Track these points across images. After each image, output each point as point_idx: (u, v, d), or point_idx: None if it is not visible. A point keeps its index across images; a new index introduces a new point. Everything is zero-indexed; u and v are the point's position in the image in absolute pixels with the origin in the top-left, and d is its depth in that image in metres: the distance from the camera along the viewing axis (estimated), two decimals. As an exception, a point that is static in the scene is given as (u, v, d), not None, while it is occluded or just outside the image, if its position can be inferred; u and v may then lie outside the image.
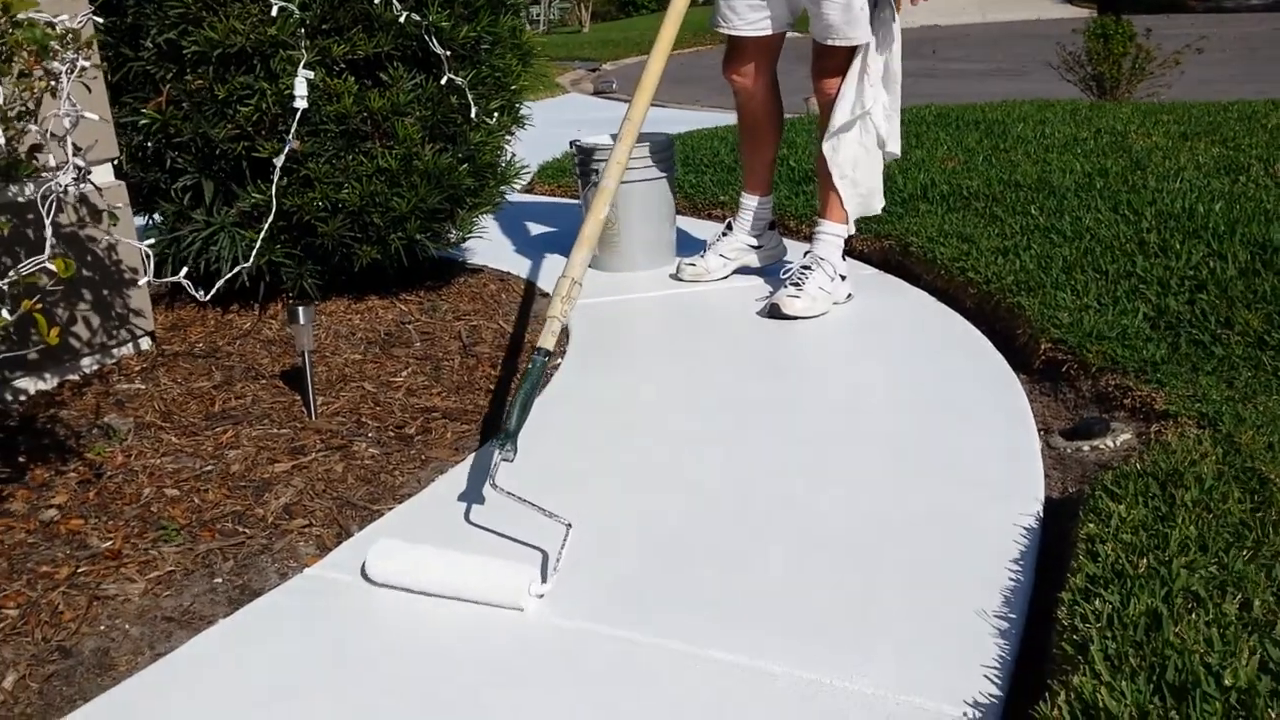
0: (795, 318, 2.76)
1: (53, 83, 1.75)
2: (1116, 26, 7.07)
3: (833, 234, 2.87)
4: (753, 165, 3.13)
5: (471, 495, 1.92)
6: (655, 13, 23.59)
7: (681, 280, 3.15)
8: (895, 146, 2.83)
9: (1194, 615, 1.25)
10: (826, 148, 2.80)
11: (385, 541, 1.67)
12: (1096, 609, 1.29)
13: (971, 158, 4.05)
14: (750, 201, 3.16)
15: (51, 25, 1.74)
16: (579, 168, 3.30)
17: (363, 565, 1.65)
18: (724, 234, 3.20)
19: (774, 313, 2.78)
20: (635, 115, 2.23)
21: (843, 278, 2.87)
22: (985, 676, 1.33)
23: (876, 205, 2.91)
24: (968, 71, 11.03)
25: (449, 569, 1.60)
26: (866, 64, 2.69)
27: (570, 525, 1.68)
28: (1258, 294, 2.37)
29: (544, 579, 1.60)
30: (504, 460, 1.77)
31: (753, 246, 3.19)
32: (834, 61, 2.76)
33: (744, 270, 3.20)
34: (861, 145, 2.80)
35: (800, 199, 3.71)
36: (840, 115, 2.76)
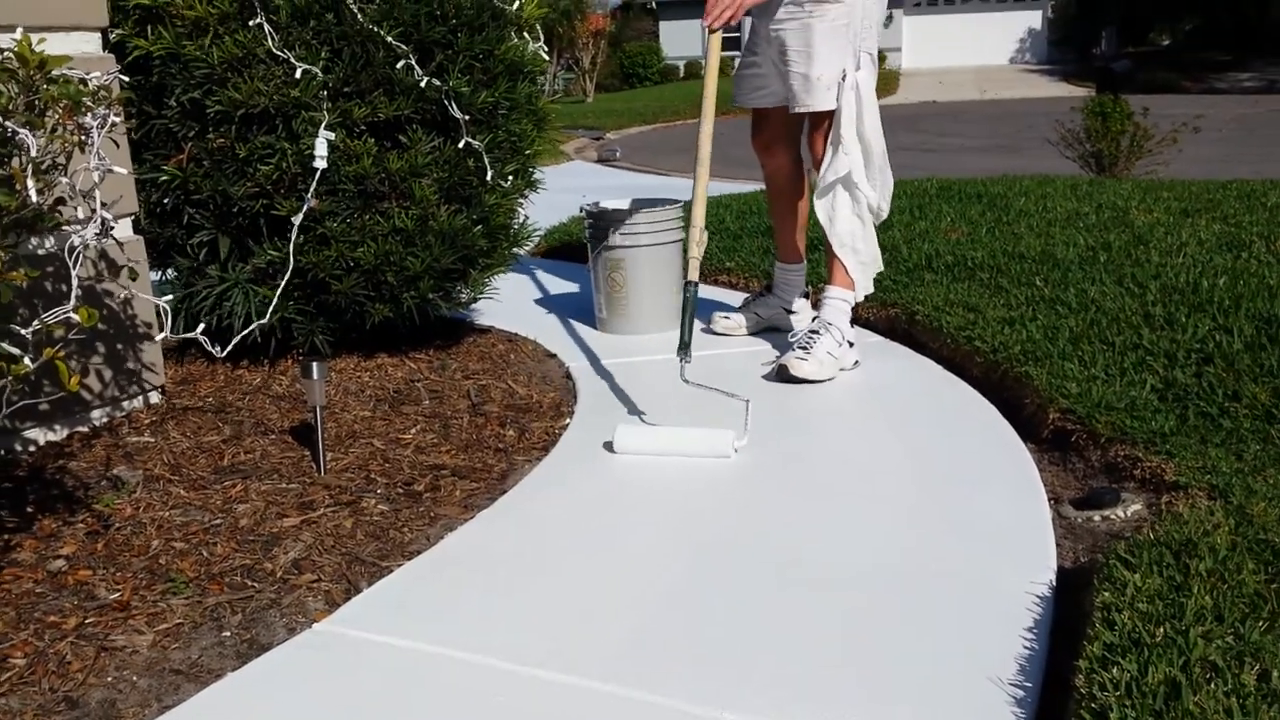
0: (802, 380, 2.78)
1: (83, 137, 1.78)
2: (1114, 105, 7.19)
3: (840, 299, 2.92)
4: (782, 236, 3.26)
5: (590, 557, 1.91)
6: (658, 85, 23.99)
7: (714, 332, 3.27)
8: (886, 206, 2.93)
9: (1213, 685, 1.24)
10: (821, 215, 2.90)
11: (624, 425, 2.41)
12: (1115, 677, 1.28)
13: (975, 229, 4.10)
14: (781, 270, 3.28)
15: (84, 82, 1.78)
16: (589, 230, 3.34)
17: (610, 441, 2.37)
18: (760, 294, 3.33)
19: (781, 375, 2.82)
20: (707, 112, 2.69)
21: (850, 344, 2.90)
22: (1002, 744, 1.32)
23: (868, 286, 3.00)
24: (967, 147, 11.19)
25: (673, 437, 2.37)
26: (839, 133, 2.81)
27: (749, 400, 2.44)
28: (1264, 368, 2.39)
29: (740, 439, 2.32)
30: (685, 362, 2.53)
31: (787, 311, 3.27)
32: (811, 129, 2.92)
33: (763, 333, 3.25)
34: (856, 216, 2.89)
35: (806, 265, 3.74)
36: (822, 181, 2.89)
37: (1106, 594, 1.48)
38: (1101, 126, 7.23)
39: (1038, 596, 1.67)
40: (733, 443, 2.31)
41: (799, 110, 2.88)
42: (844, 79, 2.80)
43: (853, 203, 2.87)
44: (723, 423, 2.40)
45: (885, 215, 2.95)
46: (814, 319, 2.94)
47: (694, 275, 2.58)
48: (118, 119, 1.85)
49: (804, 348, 2.83)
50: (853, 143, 2.82)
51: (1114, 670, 1.30)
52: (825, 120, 2.86)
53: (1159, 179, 5.86)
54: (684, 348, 2.51)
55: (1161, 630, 1.36)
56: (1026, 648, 1.53)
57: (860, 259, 2.92)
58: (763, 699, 1.44)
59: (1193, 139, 7.21)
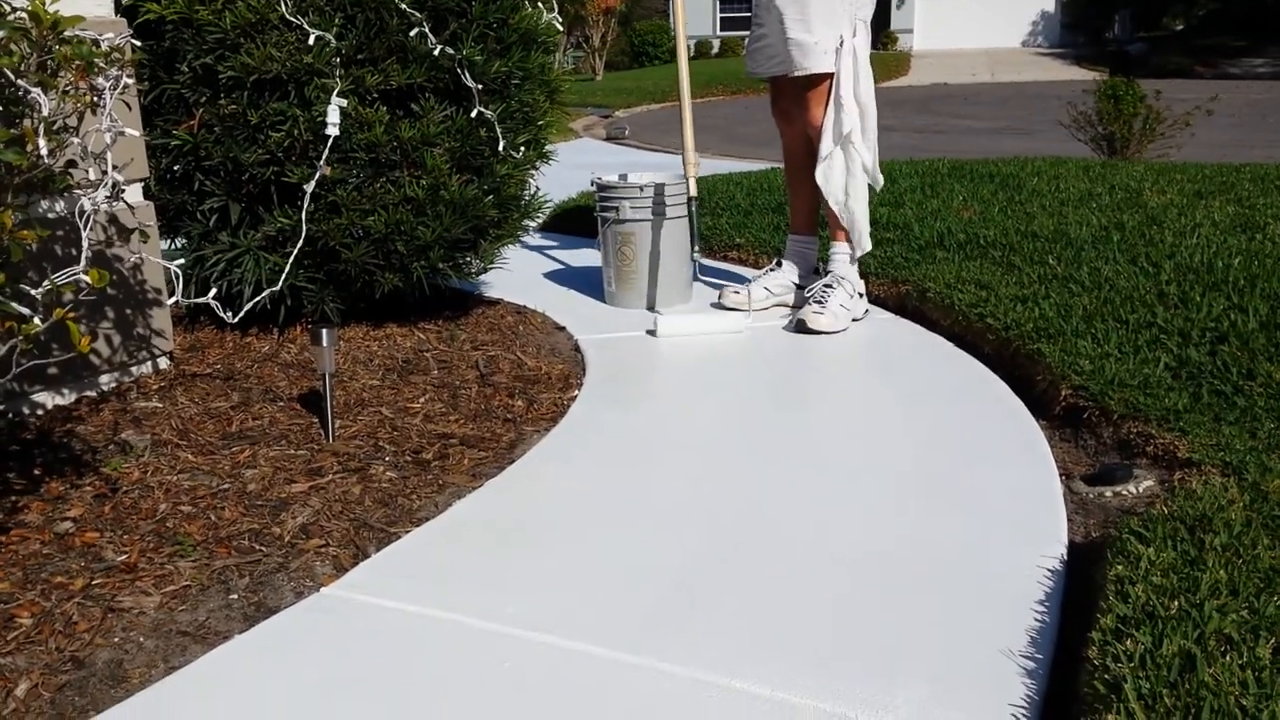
0: (820, 332, 2.92)
1: (95, 98, 1.77)
2: (1127, 88, 7.14)
3: (844, 254, 3.09)
4: (796, 204, 3.32)
5: (599, 527, 1.91)
6: (667, 64, 23.87)
7: (724, 307, 3.27)
8: (877, 175, 3.05)
9: (1228, 658, 1.23)
10: (819, 176, 3.01)
11: (665, 316, 3.03)
12: (1128, 649, 1.27)
13: (987, 208, 4.08)
14: (794, 241, 3.34)
15: (97, 43, 1.77)
16: (599, 203, 3.32)
17: (654, 329, 3.00)
18: (772, 270, 3.35)
19: (799, 328, 2.96)
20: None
21: (861, 295, 3.08)
22: (1012, 715, 1.31)
23: (866, 244, 3.11)
24: (977, 129, 11.13)
25: (702, 321, 3.03)
26: (839, 95, 2.92)
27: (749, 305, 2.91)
28: (1279, 347, 2.37)
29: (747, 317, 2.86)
30: (698, 257, 3.14)
31: (797, 286, 3.30)
32: (808, 93, 2.99)
33: (768, 311, 3.24)
34: (849, 173, 3.01)
35: (819, 240, 3.73)
36: (824, 146, 2.98)
37: (1120, 567, 1.47)
38: (1114, 109, 7.18)
39: (1049, 570, 1.66)
40: (743, 321, 3.00)
41: (797, 74, 2.97)
42: (841, 44, 2.91)
43: (847, 160, 2.99)
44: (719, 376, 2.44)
45: (880, 183, 3.08)
46: (826, 274, 3.11)
47: (693, 190, 3.10)
48: (130, 80, 1.84)
49: (819, 301, 2.98)
50: (851, 104, 2.94)
51: (1128, 642, 1.29)
52: (822, 85, 2.95)
53: (1171, 162, 5.82)
54: (696, 247, 3.13)
55: (1176, 603, 1.35)
56: (1038, 620, 1.52)
57: (854, 217, 3.05)
58: (773, 669, 1.43)
59: (1205, 123, 7.16)
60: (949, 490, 1.99)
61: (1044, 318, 2.70)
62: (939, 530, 1.82)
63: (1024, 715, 1.31)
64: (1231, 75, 17.74)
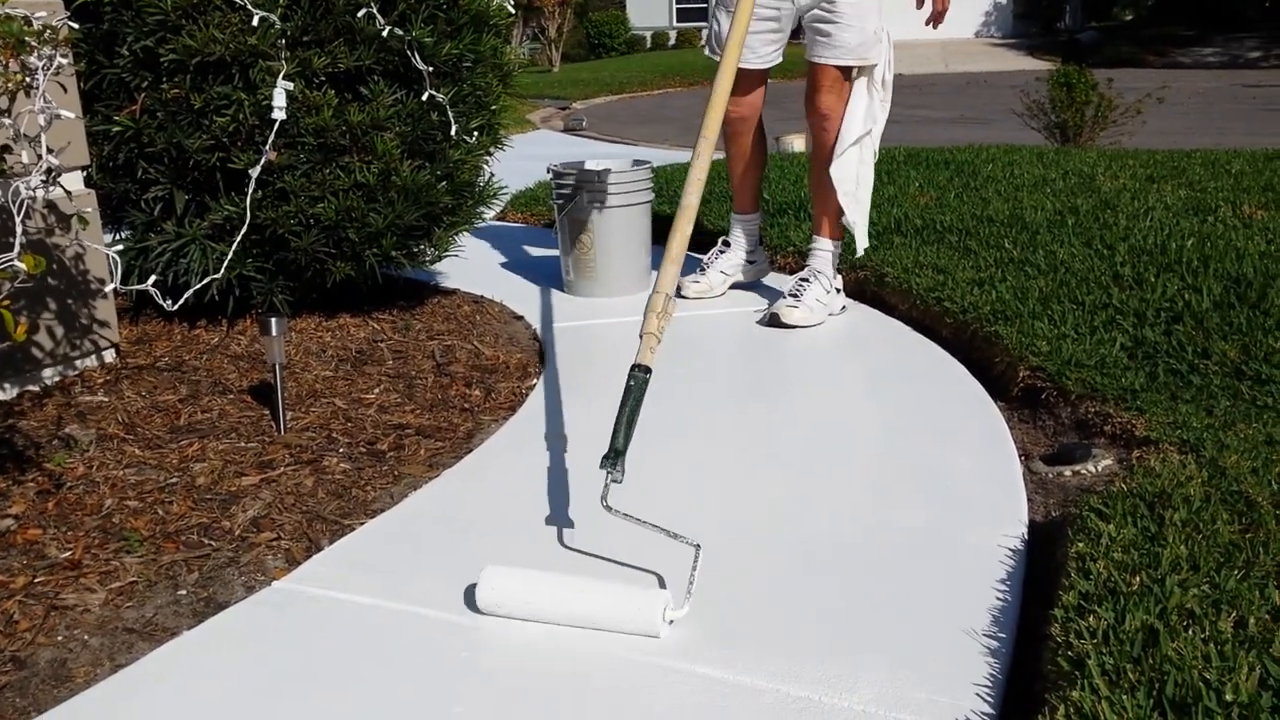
0: (794, 327, 2.87)
1: (28, 79, 1.71)
2: (1079, 76, 7.20)
3: (826, 250, 3.03)
4: (744, 186, 3.26)
5: (558, 518, 1.84)
6: (624, 55, 23.81)
7: (687, 298, 3.22)
8: (869, 169, 2.97)
9: (1190, 632, 1.23)
10: (833, 169, 2.90)
11: (492, 568, 1.52)
12: (1091, 625, 1.26)
13: (944, 195, 4.09)
14: (745, 219, 3.30)
15: (28, 20, 1.71)
16: (555, 190, 3.29)
17: (471, 595, 1.53)
18: (721, 251, 3.31)
19: (773, 322, 2.91)
20: (709, 131, 2.03)
21: (838, 290, 3.03)
22: (976, 694, 1.30)
23: (865, 238, 3.03)
24: (933, 119, 11.19)
25: (569, 595, 1.47)
26: (875, 85, 2.86)
27: (699, 546, 1.58)
28: (1233, 325, 2.39)
29: (673, 605, 1.48)
30: (613, 481, 1.65)
31: (749, 262, 3.31)
32: (838, 84, 2.89)
33: (727, 297, 3.23)
34: (862, 162, 2.94)
35: (775, 230, 3.72)
36: (852, 132, 2.87)
37: (1081, 544, 1.47)
38: (1066, 97, 7.24)
39: (1010, 550, 1.66)
40: (664, 613, 1.46)
41: (848, 63, 2.86)
42: (877, 33, 2.86)
43: (861, 149, 2.92)
44: (680, 364, 2.37)
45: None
46: (804, 268, 3.05)
47: (646, 359, 1.79)
48: (65, 61, 1.78)
49: (795, 295, 2.93)
50: (889, 96, 2.88)
51: (1090, 618, 1.28)
52: (848, 74, 2.88)
53: (1124, 148, 5.87)
54: (618, 457, 1.68)
55: (1138, 579, 1.35)
56: (1000, 600, 1.51)
57: (862, 207, 2.99)
58: (736, 653, 1.41)
59: (1156, 111, 7.25)
60: (909, 473, 1.98)
61: (1001, 300, 2.70)
62: (900, 513, 1.81)
63: (987, 694, 1.30)
64: (1181, 64, 18.00)
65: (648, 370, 1.77)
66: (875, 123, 2.90)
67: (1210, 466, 1.70)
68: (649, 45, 26.42)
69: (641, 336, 1.80)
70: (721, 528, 1.78)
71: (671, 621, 1.47)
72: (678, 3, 28.78)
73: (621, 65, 19.52)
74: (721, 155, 3.25)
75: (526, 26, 20.72)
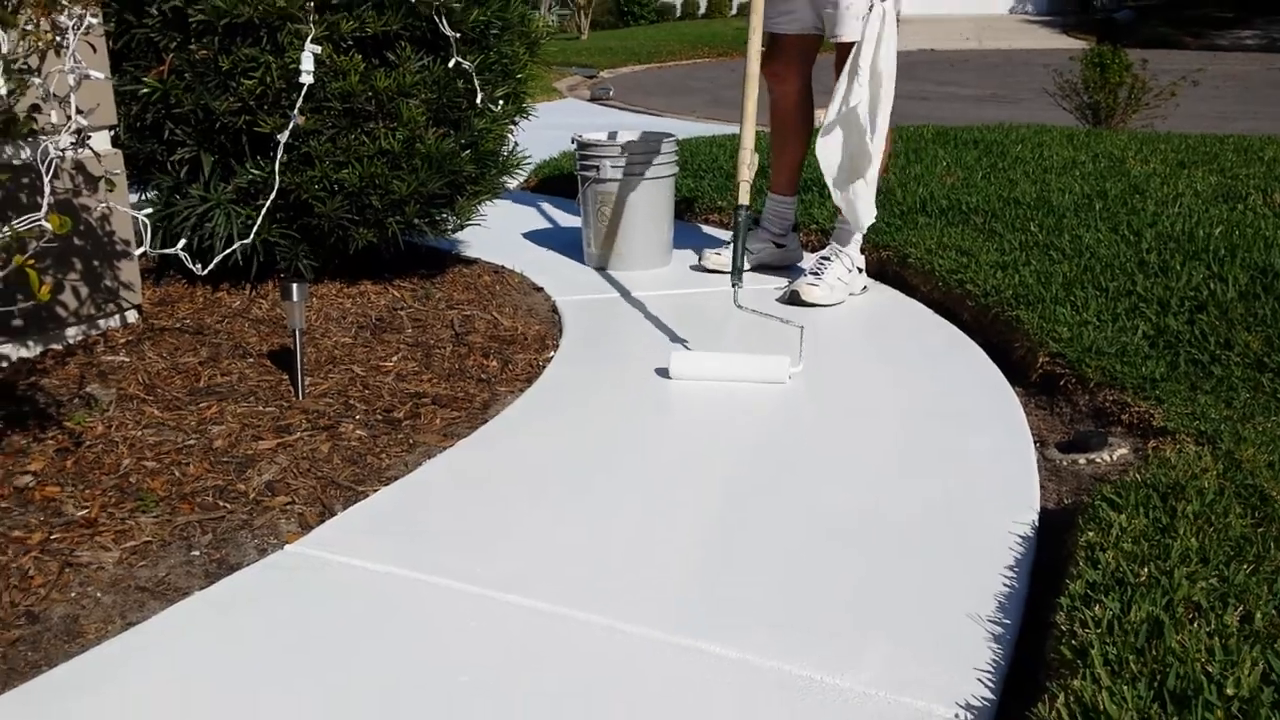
0: (814, 304, 2.86)
1: (59, 38, 1.71)
2: (1114, 56, 7.09)
3: (850, 228, 2.98)
4: (779, 165, 3.24)
5: (571, 488, 1.89)
6: (654, 24, 23.62)
7: (705, 269, 3.23)
8: (876, 156, 2.81)
9: (1195, 625, 1.22)
10: (819, 150, 2.83)
11: (679, 351, 2.39)
12: (1096, 615, 1.26)
13: (970, 175, 4.05)
14: (774, 201, 3.28)
15: (57, -21, 1.71)
16: (579, 162, 3.28)
17: (667, 368, 2.34)
18: (749, 229, 3.21)
19: (794, 299, 2.89)
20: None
21: (861, 270, 3.00)
22: (978, 679, 1.30)
23: (863, 222, 2.91)
24: (962, 95, 11.07)
25: (729, 363, 2.34)
26: (856, 65, 2.74)
27: (803, 327, 2.44)
28: (1258, 317, 2.36)
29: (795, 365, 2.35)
30: (737, 288, 2.52)
31: (776, 245, 3.29)
32: (836, 59, 2.86)
33: (751, 274, 3.20)
34: (846, 149, 2.83)
35: (800, 206, 3.69)
36: (829, 114, 2.81)
37: (1091, 533, 1.46)
38: (1099, 78, 7.13)
39: (1020, 537, 1.65)
40: (788, 368, 2.31)
41: (832, 40, 2.88)
42: (871, 9, 2.73)
43: (848, 136, 2.81)
44: (698, 340, 2.47)
45: (873, 165, 2.85)
46: (827, 245, 3.02)
47: (744, 199, 2.56)
48: (95, 20, 1.78)
49: (815, 273, 2.92)
50: (866, 76, 2.75)
51: (1096, 608, 1.28)
52: (844, 52, 2.82)
53: (1156, 132, 5.79)
54: (737, 273, 2.53)
55: (1146, 570, 1.34)
56: (1007, 586, 1.51)
57: (853, 200, 2.87)
58: (740, 631, 1.42)
59: (1190, 94, 7.13)
60: (924, 456, 1.97)
61: (1024, 285, 2.68)
62: (912, 496, 1.81)
63: (989, 679, 1.30)
64: (1219, 46, 17.69)
65: (746, 208, 2.57)
66: (849, 105, 2.74)
67: (1226, 459, 1.69)
68: (679, 14, 26.19)
69: (738, 185, 2.58)
70: (729, 503, 1.79)
71: (791, 376, 2.32)
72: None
73: (650, 34, 19.37)
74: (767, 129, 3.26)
75: (557, -7, 20.60)
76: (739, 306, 2.47)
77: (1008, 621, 1.42)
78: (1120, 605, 1.27)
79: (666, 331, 2.70)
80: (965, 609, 1.45)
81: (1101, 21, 19.76)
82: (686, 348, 2.54)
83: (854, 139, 2.79)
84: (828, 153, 2.82)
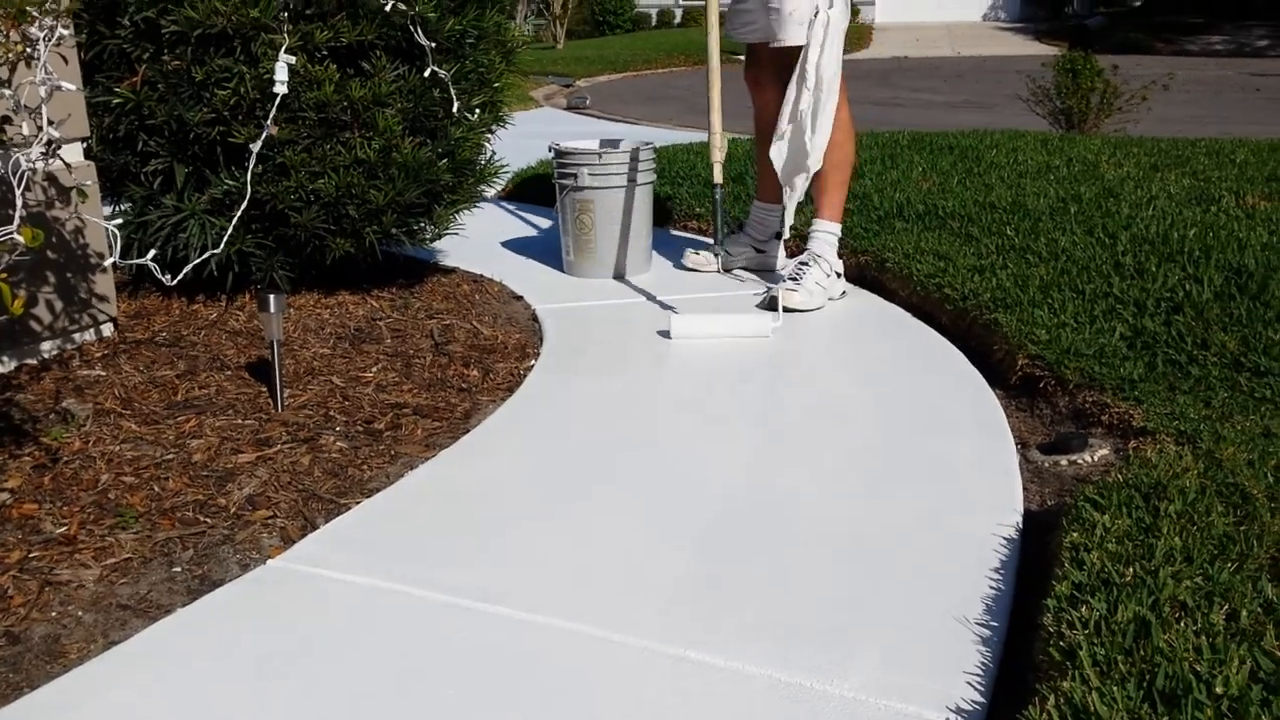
0: (793, 310, 2.87)
1: (28, 50, 1.69)
2: (1085, 62, 7.16)
3: (828, 232, 3.04)
4: (762, 172, 3.27)
5: (554, 497, 1.87)
6: (630, 33, 23.65)
7: (685, 267, 3.31)
8: (817, 158, 2.89)
9: (1182, 624, 1.23)
10: (772, 152, 2.91)
11: (678, 315, 2.72)
12: (1084, 615, 1.27)
13: (946, 180, 4.07)
14: (758, 208, 3.33)
15: (27, -10, 1.69)
16: (556, 170, 3.27)
17: (667, 330, 2.67)
18: (732, 232, 3.36)
19: (772, 305, 2.90)
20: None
21: (839, 274, 3.02)
22: (968, 683, 1.30)
23: (789, 219, 3.06)
24: (937, 102, 11.14)
25: (722, 322, 2.71)
26: (803, 69, 2.82)
27: (776, 288, 2.89)
28: (1233, 317, 2.38)
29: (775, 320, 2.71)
30: (718, 255, 3.08)
31: (756, 250, 3.33)
32: (782, 63, 2.91)
33: (727, 280, 3.22)
34: (794, 149, 2.92)
35: (781, 206, 3.70)
36: (781, 120, 2.87)
37: (1075, 534, 1.47)
38: (1072, 83, 7.20)
39: (1004, 539, 1.66)
40: (770, 324, 2.70)
41: (774, 45, 2.92)
42: (815, 15, 2.81)
43: (804, 132, 2.88)
44: (679, 347, 2.60)
45: (815, 167, 2.92)
46: (804, 251, 3.05)
47: (717, 178, 2.93)
48: (65, 32, 1.76)
49: (794, 279, 2.93)
50: (813, 80, 2.83)
51: (1083, 609, 1.28)
52: (795, 56, 2.86)
53: (1128, 136, 5.84)
54: (718, 242, 2.95)
55: (1131, 570, 1.35)
56: (993, 588, 1.51)
57: (793, 193, 2.98)
58: (727, 639, 1.41)
59: (1162, 99, 7.20)
60: (905, 460, 1.98)
61: (1001, 288, 2.69)
62: (896, 500, 1.81)
63: (979, 683, 1.30)
64: (1189, 52, 17.88)
65: (719, 186, 2.93)
66: (799, 112, 2.83)
67: (1206, 458, 1.70)
68: (654, 23, 26.24)
69: (712, 165, 2.97)
70: (713, 511, 1.78)
71: (772, 332, 2.70)
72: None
73: (626, 43, 19.41)
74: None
75: (531, 2, 20.60)
76: (724, 271, 2.93)
77: (995, 624, 1.42)
78: (1107, 605, 1.27)
79: (644, 337, 2.70)
80: (953, 612, 1.45)
81: (1073, 28, 19.96)
82: (674, 313, 2.79)
83: (797, 138, 2.88)
84: (778, 155, 2.91)
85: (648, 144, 3.33)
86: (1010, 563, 1.58)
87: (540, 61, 15.39)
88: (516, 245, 3.74)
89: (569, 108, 10.96)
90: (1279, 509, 1.51)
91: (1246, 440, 1.79)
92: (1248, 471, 1.63)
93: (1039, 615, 1.36)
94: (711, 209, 2.83)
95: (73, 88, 1.77)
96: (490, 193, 3.20)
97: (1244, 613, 1.24)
